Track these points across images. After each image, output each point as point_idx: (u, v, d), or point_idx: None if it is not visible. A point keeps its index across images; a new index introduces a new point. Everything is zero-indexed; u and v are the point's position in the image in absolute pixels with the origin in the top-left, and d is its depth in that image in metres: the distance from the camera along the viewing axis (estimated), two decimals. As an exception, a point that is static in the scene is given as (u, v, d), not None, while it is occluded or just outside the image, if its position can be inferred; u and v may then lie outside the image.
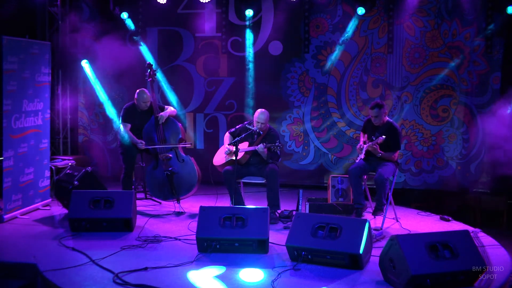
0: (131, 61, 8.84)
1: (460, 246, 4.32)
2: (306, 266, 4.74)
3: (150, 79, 6.89)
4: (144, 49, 8.73)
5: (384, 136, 5.96)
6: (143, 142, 6.68)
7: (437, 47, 8.01)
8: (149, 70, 6.92)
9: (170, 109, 6.99)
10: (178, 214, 6.65)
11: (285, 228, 5.99)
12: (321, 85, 8.42)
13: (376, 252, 4.76)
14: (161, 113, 6.80)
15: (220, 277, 4.51)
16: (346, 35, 8.15)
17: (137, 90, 6.81)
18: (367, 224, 4.73)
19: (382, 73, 8.22)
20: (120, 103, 8.81)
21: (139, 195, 7.22)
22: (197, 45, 8.77)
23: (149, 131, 6.79)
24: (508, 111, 7.53)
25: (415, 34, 8.06)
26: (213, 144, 8.59)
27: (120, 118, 6.85)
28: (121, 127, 6.79)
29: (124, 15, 8.50)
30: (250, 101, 8.57)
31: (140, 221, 6.17)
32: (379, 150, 6.04)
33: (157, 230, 5.88)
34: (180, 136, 6.84)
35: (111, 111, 8.89)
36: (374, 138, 6.09)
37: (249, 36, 8.50)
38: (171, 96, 8.79)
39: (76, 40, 9.00)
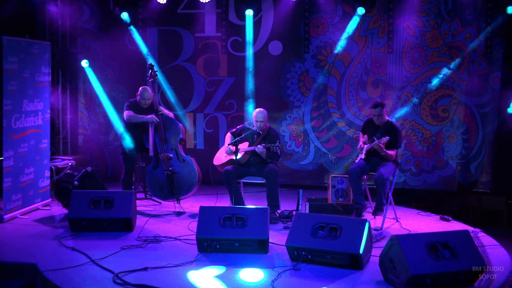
0: (130, 61, 8.86)
1: (460, 246, 4.32)
2: (306, 266, 4.73)
3: (152, 79, 6.91)
4: (141, 44, 8.72)
5: (388, 137, 5.96)
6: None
7: (437, 47, 8.01)
8: (150, 71, 6.94)
9: (166, 111, 7.06)
10: (178, 214, 6.64)
11: (285, 228, 5.99)
12: (321, 85, 8.45)
13: (376, 252, 4.76)
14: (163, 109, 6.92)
15: (220, 277, 4.51)
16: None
17: (140, 88, 6.86)
18: (367, 224, 4.73)
19: (382, 73, 8.22)
20: (120, 103, 8.81)
21: (139, 195, 7.23)
22: (197, 45, 8.77)
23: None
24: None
25: (415, 34, 8.06)
26: (213, 144, 8.60)
27: (124, 107, 6.84)
28: (125, 114, 6.76)
29: (124, 15, 8.50)
30: (250, 101, 8.57)
31: (140, 221, 6.17)
32: (384, 149, 6.04)
33: (157, 230, 5.88)
34: (181, 137, 6.85)
35: (111, 111, 8.88)
36: (375, 138, 6.08)
37: (249, 36, 8.49)
38: (171, 96, 8.79)
39: (76, 40, 9.01)
